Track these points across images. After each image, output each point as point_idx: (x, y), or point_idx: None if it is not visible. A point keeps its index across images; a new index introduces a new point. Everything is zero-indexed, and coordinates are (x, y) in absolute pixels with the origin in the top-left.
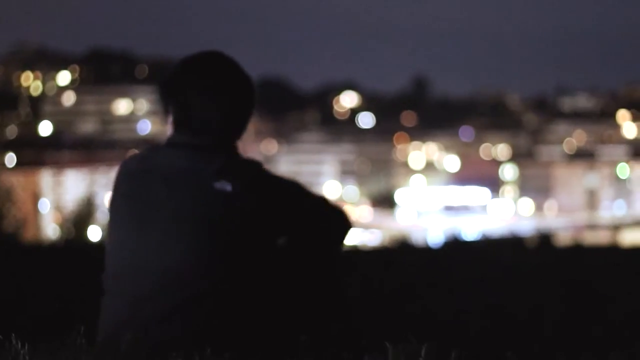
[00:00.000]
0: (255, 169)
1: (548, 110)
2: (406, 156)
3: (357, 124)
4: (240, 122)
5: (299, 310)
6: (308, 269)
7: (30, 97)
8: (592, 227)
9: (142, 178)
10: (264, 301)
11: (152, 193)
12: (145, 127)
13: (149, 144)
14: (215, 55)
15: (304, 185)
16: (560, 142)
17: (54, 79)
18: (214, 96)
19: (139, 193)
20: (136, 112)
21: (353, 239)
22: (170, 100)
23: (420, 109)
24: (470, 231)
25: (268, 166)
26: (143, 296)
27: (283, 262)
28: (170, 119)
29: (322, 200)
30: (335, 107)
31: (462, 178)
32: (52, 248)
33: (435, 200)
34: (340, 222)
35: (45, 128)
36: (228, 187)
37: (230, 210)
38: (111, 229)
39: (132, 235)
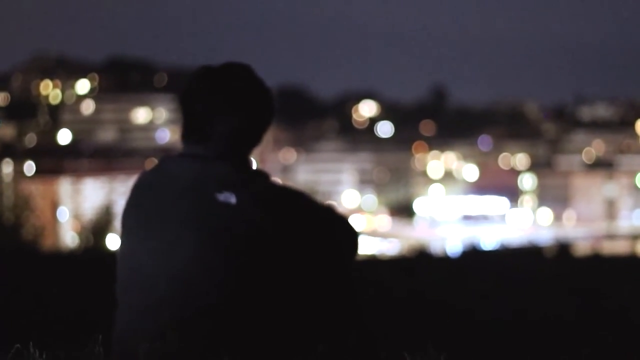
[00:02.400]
0: (262, 180)
1: (567, 119)
2: (425, 165)
3: (375, 133)
4: (252, 134)
5: (314, 320)
6: (321, 279)
7: (50, 106)
8: (611, 237)
9: (151, 189)
10: (276, 312)
11: (159, 203)
12: (164, 135)
13: (166, 153)
14: (233, 67)
15: (310, 196)
16: (579, 151)
17: (73, 87)
18: (222, 106)
19: (147, 204)
20: (155, 120)
21: (365, 247)
22: (181, 109)
23: (439, 118)
24: (489, 241)
25: (286, 175)
26: (151, 307)
27: (295, 273)
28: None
29: (329, 210)
30: (354, 116)
31: (480, 187)
32: (70, 256)
33: (453, 209)
34: (348, 231)
35: (64, 136)
36: (232, 199)
37: (234, 222)
38: (122, 240)
39: (140, 245)
